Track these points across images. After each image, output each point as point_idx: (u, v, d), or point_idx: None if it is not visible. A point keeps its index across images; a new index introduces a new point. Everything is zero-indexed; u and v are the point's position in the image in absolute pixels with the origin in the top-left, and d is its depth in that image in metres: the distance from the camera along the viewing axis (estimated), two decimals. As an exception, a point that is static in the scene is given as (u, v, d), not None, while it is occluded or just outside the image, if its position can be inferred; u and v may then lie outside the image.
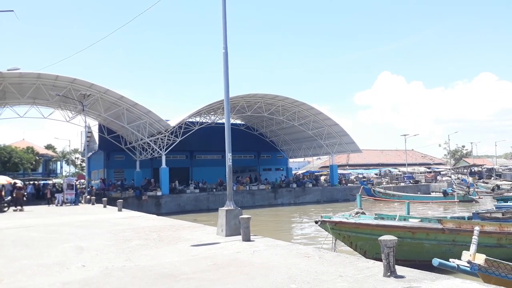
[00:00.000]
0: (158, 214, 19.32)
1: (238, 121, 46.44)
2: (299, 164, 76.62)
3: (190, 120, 36.92)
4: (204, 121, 39.25)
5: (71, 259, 7.35)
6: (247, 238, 8.75)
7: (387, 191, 38.49)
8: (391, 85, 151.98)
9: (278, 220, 26.46)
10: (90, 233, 11.22)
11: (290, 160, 53.07)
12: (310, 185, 42.13)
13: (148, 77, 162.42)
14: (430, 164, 73.62)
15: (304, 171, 63.56)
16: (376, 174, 57.63)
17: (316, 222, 10.51)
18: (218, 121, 40.63)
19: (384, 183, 48.09)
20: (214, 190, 36.68)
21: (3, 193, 23.69)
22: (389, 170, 60.12)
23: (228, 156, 10.44)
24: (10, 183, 27.69)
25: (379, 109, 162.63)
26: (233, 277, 5.58)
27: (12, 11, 16.63)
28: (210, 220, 21.58)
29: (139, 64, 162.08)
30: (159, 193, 33.14)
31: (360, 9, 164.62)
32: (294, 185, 41.19)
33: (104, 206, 22.68)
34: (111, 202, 24.63)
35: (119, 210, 19.34)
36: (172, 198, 33.72)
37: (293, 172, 55.71)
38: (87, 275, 6.03)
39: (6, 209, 21.98)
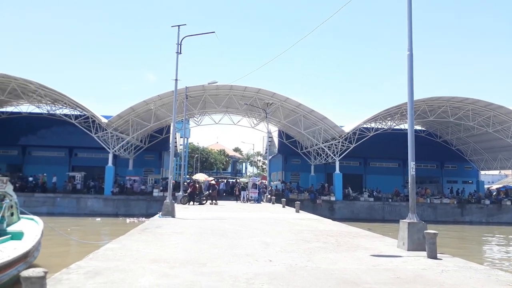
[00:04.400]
0: (331, 219, 19.54)
1: (418, 127, 43.11)
2: (493, 178, 66.18)
3: (365, 126, 36.19)
4: (379, 127, 37.92)
5: (259, 253, 8.08)
6: (433, 255, 8.02)
7: None
8: None
9: (465, 240, 23.42)
10: (272, 230, 12.14)
11: (482, 172, 46.17)
12: (509, 202, 35.86)
13: (319, 83, 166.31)
14: None
15: (500, 186, 54.41)
16: None
17: None
18: (394, 127, 38.67)
19: None
20: (390, 200, 35.02)
21: (202, 188, 27.83)
22: None
23: (411, 165, 9.78)
24: (207, 180, 32.41)
25: None
26: (420, 295, 5.20)
27: (214, 32, 19.31)
28: (385, 231, 20.63)
29: (312, 71, 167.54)
30: (332, 198, 33.61)
31: None
32: (487, 202, 35.77)
33: (283, 206, 24.26)
34: (288, 202, 26.20)
35: (297, 211, 20.36)
36: (345, 204, 33.70)
37: (486, 186, 48.34)
38: (273, 269, 6.53)
39: (204, 202, 25.80)
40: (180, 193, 26.10)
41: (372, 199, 35.27)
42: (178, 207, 19.49)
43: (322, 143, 35.22)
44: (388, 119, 37.49)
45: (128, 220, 26.83)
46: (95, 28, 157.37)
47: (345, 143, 34.23)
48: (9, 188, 12.22)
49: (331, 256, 7.94)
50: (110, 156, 33.70)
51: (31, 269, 3.75)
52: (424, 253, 8.19)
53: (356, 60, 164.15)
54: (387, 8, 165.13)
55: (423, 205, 34.08)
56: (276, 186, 38.06)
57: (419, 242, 8.74)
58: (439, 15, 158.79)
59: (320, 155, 37.25)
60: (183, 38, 18.15)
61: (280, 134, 42.24)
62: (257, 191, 30.20)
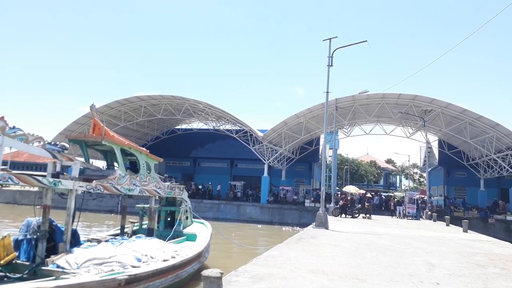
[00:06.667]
0: (508, 242, 16.71)
1: None
2: None
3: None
4: None
5: (423, 274, 7.45)
6: None
7: None
8: None
9: None
10: (436, 250, 11.04)
11: None
12: None
13: (484, 87, 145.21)
14: None
15: None
16: None
17: None
18: None
19: None
20: None
21: (354, 200, 27.20)
22: None
23: None
24: (358, 192, 31.50)
25: None
26: None
27: (366, 41, 18.83)
28: None
29: (475, 75, 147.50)
30: (509, 218, 28.85)
31: None
32: None
33: (447, 225, 21.89)
34: (453, 220, 23.55)
35: (464, 231, 18.12)
36: (527, 225, 28.46)
37: None
38: (442, 294, 5.94)
39: (356, 215, 25.13)
40: (332, 204, 26.01)
41: None
42: (330, 219, 19.47)
43: (494, 153, 30.63)
44: None
45: (283, 228, 27.99)
46: (251, 51, 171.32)
47: (525, 153, 29.08)
48: (185, 195, 14.08)
49: (514, 286, 6.79)
50: (266, 167, 35.91)
51: (210, 270, 4.22)
52: None
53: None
54: None
55: None
56: (437, 202, 34.53)
57: None
58: None
59: (492, 167, 32.46)
60: (335, 51, 18.16)
61: (441, 143, 38.44)
62: (415, 207, 27.91)
